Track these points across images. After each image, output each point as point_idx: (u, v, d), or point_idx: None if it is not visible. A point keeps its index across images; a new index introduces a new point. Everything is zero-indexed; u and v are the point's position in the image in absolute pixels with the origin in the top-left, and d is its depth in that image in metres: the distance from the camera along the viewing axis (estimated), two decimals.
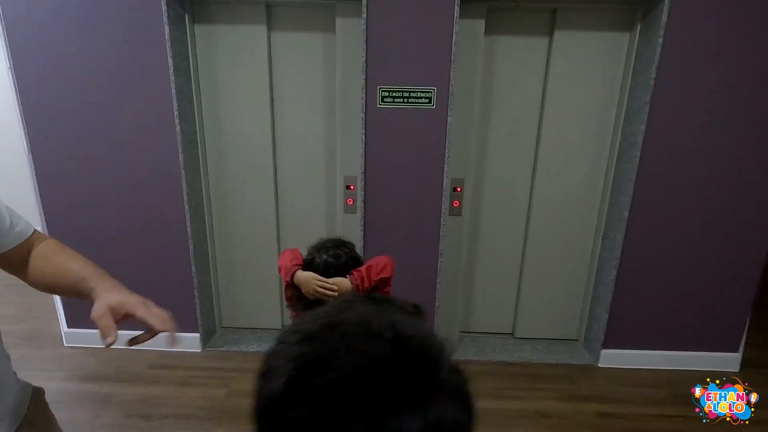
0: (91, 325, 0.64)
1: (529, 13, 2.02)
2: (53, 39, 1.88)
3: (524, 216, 2.29)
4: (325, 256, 1.11)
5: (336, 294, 1.05)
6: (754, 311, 2.17)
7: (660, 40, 1.82)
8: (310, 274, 1.08)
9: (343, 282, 1.07)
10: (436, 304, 2.18)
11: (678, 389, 2.05)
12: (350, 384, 0.29)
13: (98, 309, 0.65)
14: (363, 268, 1.09)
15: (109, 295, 0.67)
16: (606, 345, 2.21)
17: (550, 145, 2.16)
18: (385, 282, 1.13)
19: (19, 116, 1.98)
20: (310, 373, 0.30)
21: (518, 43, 2.06)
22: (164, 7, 1.83)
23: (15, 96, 1.95)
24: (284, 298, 1.18)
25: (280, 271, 1.13)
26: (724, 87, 1.87)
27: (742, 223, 2.03)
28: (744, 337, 2.19)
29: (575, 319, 2.43)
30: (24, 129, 2.00)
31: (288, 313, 1.20)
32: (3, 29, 1.87)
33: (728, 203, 2.01)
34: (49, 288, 0.75)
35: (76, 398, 1.86)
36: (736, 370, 2.20)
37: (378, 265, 1.10)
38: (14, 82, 1.94)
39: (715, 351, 2.21)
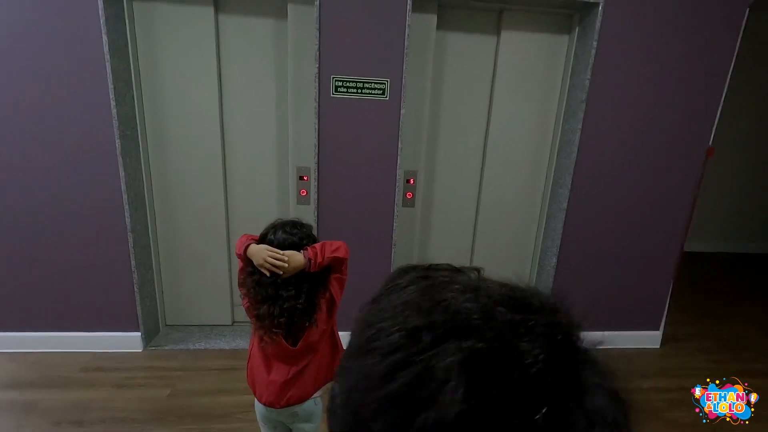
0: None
1: (477, 11, 2.10)
2: None
3: (474, 207, 2.39)
4: (280, 232, 1.10)
5: (286, 265, 1.04)
6: (672, 293, 2.42)
7: (595, 44, 1.97)
8: (263, 245, 1.06)
9: (296, 255, 1.05)
10: None
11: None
12: (539, 373, 0.23)
13: None
14: (317, 245, 1.09)
15: None
16: None
17: (497, 140, 2.26)
18: (339, 264, 1.13)
19: None
20: (488, 377, 0.22)
21: (468, 40, 2.14)
22: None
23: None
24: (237, 282, 1.15)
25: (236, 250, 1.11)
26: (653, 88, 2.06)
27: (664, 214, 2.25)
28: (664, 316, 2.44)
29: None
30: None
31: (240, 301, 1.17)
32: None
33: (654, 196, 2.22)
34: None
35: None
36: (657, 346, 2.45)
37: (333, 244, 1.11)
38: None
39: (640, 330, 2.44)
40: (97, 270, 2.03)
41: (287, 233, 1.10)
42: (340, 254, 1.10)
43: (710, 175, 3.45)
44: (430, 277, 0.30)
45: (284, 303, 1.07)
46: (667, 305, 2.42)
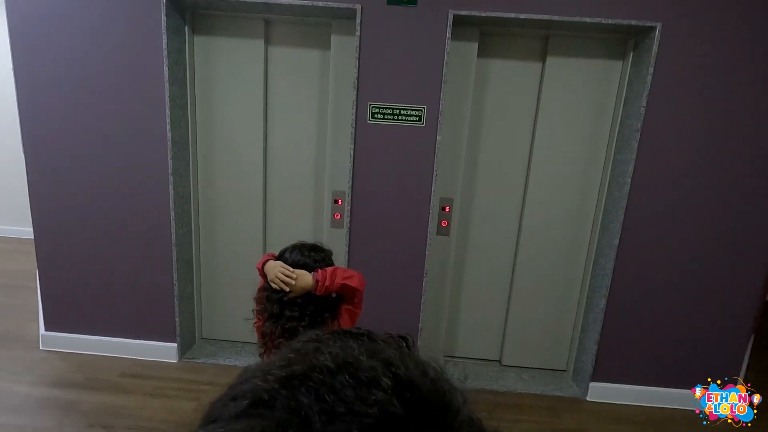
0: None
1: (521, 38, 2.05)
2: (54, 43, 1.93)
3: (514, 239, 2.25)
4: (296, 252, 1.13)
5: (293, 282, 1.05)
6: (754, 344, 2.08)
7: (651, 70, 1.83)
8: (277, 262, 1.10)
9: (305, 275, 1.07)
10: (420, 325, 2.12)
11: (667, 430, 1.94)
12: None
13: None
14: (329, 269, 1.08)
15: None
16: (595, 378, 2.12)
17: (540, 170, 2.14)
18: (351, 293, 1.09)
19: (17, 118, 2.01)
20: None
21: (511, 66, 2.08)
22: (164, 18, 1.88)
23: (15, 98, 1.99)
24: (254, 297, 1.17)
25: (257, 265, 1.15)
26: (713, 116, 1.86)
27: (736, 252, 1.97)
28: (743, 373, 2.09)
29: (564, 348, 2.34)
30: (21, 131, 2.03)
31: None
32: (8, 34, 1.93)
33: (719, 231, 1.96)
34: None
35: (41, 404, 1.80)
36: None
37: (347, 271, 1.09)
38: (15, 85, 1.98)
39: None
40: (142, 280, 2.16)
41: (302, 255, 1.13)
42: (353, 283, 1.07)
43: None
44: (315, 341, 0.26)
45: (286, 323, 1.08)
46: (745, 365, 2.08)
